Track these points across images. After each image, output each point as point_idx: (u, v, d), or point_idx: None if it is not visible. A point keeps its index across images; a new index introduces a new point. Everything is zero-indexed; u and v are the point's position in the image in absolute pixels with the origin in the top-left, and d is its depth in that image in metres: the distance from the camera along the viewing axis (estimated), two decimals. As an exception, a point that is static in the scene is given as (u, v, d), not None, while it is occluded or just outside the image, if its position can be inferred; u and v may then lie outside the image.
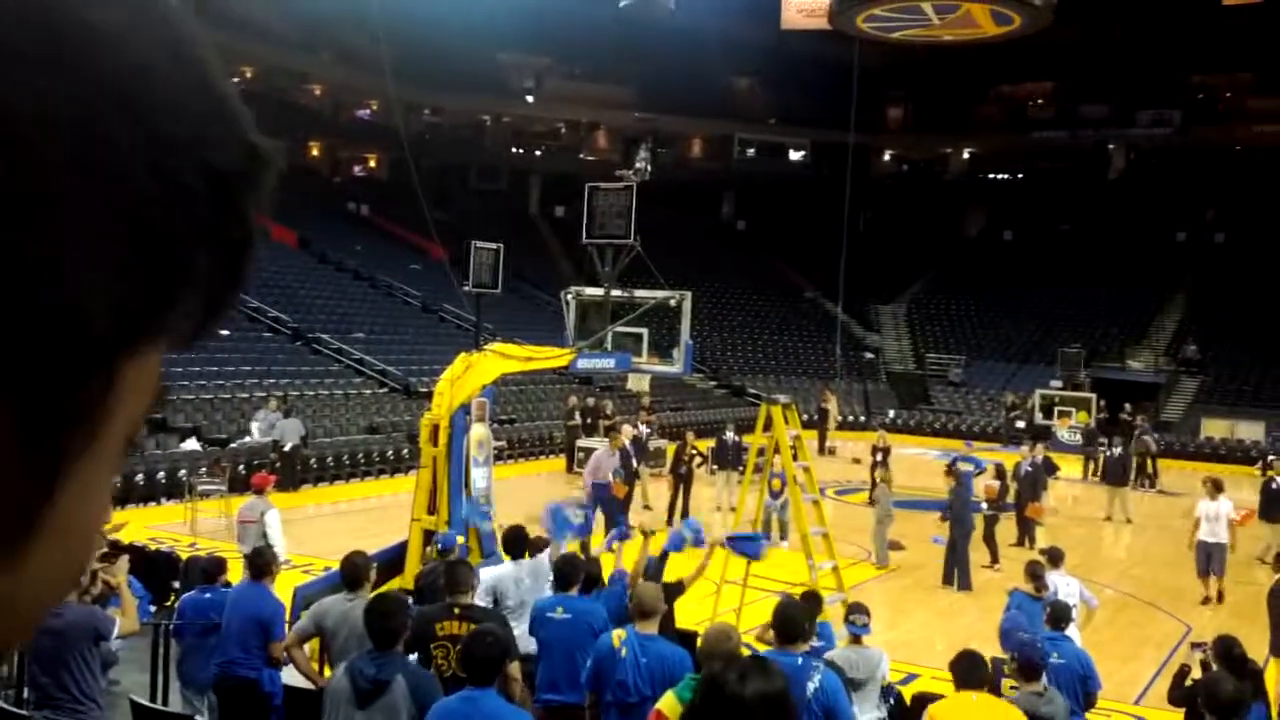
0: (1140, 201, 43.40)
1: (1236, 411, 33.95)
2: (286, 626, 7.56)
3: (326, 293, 33.54)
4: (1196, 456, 31.36)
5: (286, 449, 19.93)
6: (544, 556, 8.73)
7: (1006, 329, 42.08)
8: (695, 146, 54.57)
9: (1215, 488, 14.23)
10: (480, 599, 8.24)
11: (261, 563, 7.39)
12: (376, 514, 17.67)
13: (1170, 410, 35.61)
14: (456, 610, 6.59)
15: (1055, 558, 9.98)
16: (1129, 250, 41.60)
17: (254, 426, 21.01)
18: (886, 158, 53.95)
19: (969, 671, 5.97)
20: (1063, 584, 9.58)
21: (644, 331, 16.28)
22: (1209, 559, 14.12)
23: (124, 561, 7.23)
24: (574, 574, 7.40)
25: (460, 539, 9.73)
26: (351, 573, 6.96)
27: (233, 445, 20.26)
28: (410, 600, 7.18)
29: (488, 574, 8.60)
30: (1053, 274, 42.17)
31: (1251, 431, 32.73)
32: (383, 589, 8.35)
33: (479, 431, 11.52)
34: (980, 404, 37.67)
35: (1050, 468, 19.78)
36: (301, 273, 34.65)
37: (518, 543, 8.70)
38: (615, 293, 16.12)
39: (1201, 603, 13.55)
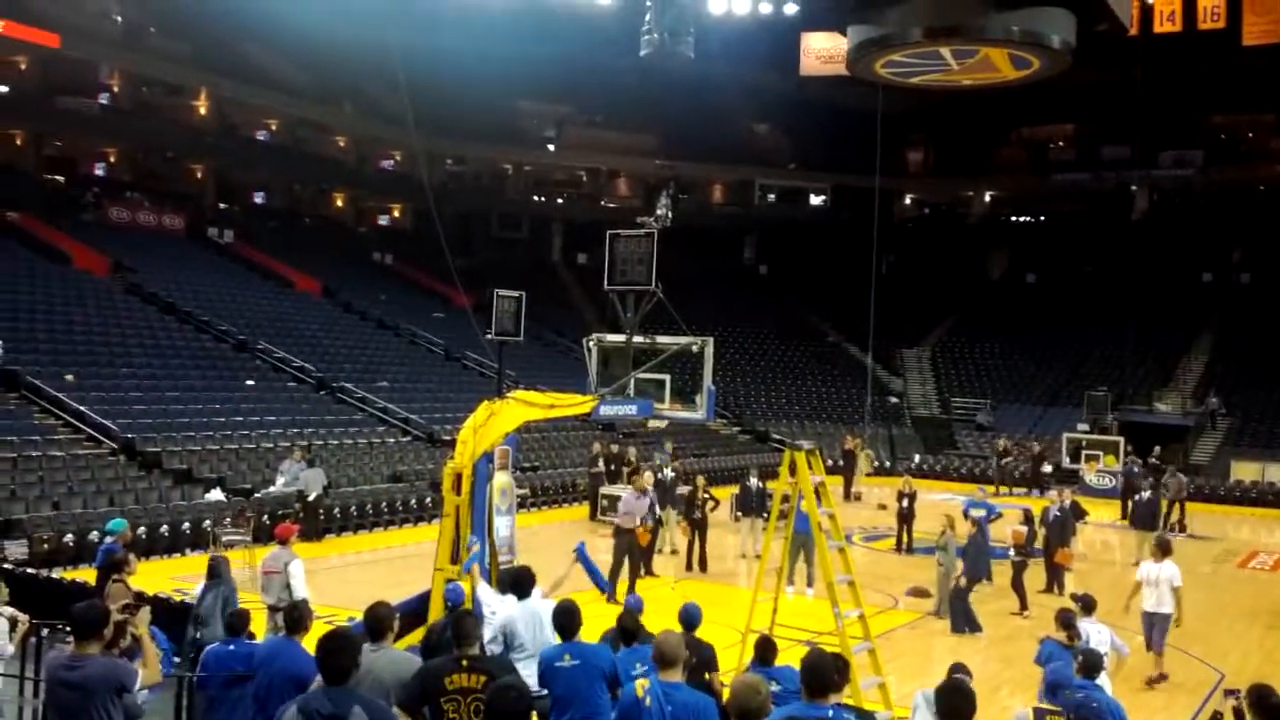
0: (1164, 242, 43.24)
1: (1267, 454, 33.52)
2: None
3: (351, 342, 33.70)
4: (1226, 500, 30.96)
5: (311, 499, 19.93)
6: (540, 596, 8.68)
7: (1032, 372, 41.81)
8: (716, 192, 54.80)
9: (1162, 550, 12.59)
10: (490, 639, 8.18)
11: (296, 617, 7.30)
12: (400, 563, 17.61)
13: (1199, 453, 35.20)
14: (465, 662, 6.52)
15: (1088, 605, 9.80)
16: (1154, 291, 41.36)
17: (278, 477, 21.05)
18: (908, 201, 54.00)
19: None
20: (1094, 631, 9.40)
21: (666, 378, 16.24)
22: (1151, 629, 12.30)
23: (146, 613, 7.18)
24: (573, 623, 7.33)
25: (467, 579, 9.71)
26: (374, 623, 6.90)
27: (257, 495, 20.28)
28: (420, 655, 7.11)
29: (499, 616, 8.56)
30: (1077, 316, 41.95)
31: (1281, 473, 32.32)
32: (406, 639, 8.29)
33: (502, 479, 11.49)
34: (1018, 449, 37.35)
35: (1078, 513, 19.55)
36: (326, 322, 34.87)
37: (526, 584, 8.65)
38: (637, 339, 16.10)
39: (1146, 684, 12.06)
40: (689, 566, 18.17)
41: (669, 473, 21.17)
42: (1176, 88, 40.47)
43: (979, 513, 15.82)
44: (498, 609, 8.82)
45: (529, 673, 7.47)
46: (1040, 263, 48.51)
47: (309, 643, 8.46)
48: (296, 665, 7.18)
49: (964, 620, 14.22)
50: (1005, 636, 14.00)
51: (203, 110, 43.11)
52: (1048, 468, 31.85)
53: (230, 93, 42.16)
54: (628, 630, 7.89)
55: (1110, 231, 45.52)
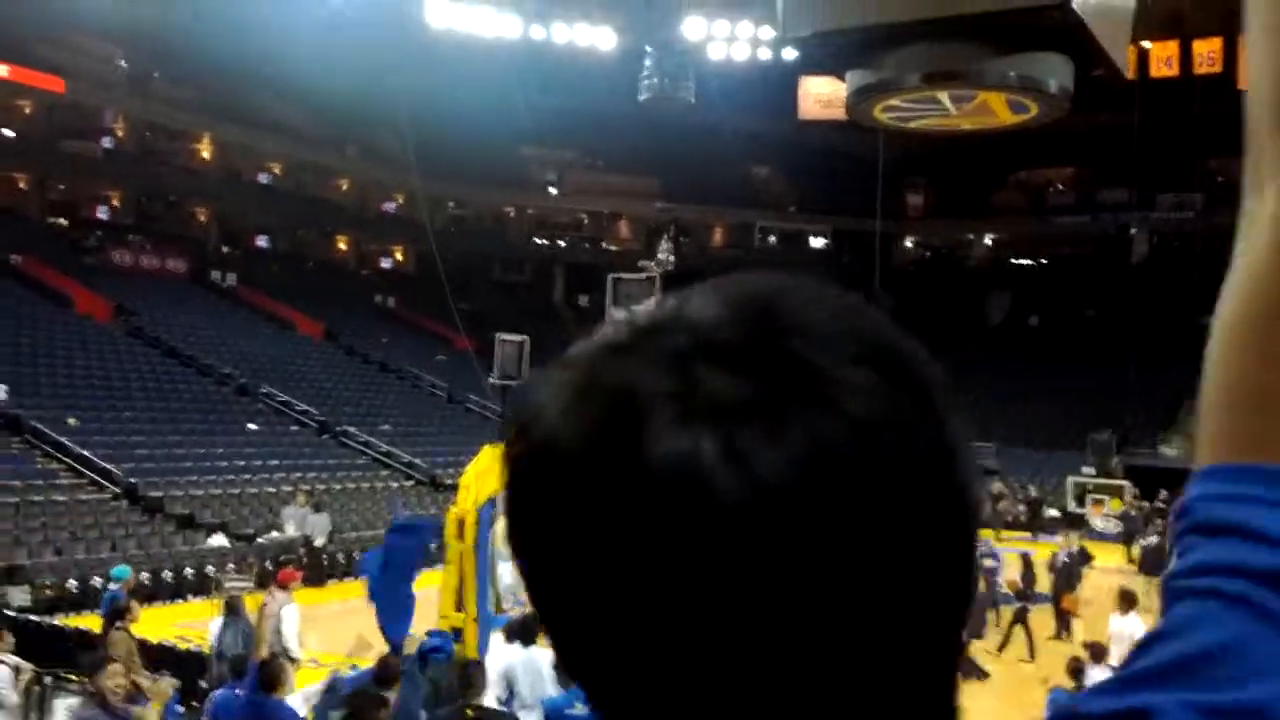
0: (1165, 285, 43.28)
1: None
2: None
3: (354, 385, 33.72)
4: (1233, 543, 30.80)
5: (317, 544, 19.85)
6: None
7: (1034, 415, 41.75)
8: (717, 234, 54.99)
9: (1127, 602, 12.05)
10: (493, 687, 8.11)
11: (269, 673, 7.18)
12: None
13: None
14: (470, 712, 6.49)
15: (1098, 653, 9.76)
16: (1156, 334, 41.38)
17: (283, 522, 20.98)
18: (908, 244, 54.18)
19: None
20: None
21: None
22: None
23: (167, 685, 7.09)
24: None
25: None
26: (384, 671, 6.88)
27: (260, 540, 20.19)
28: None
29: (500, 661, 8.51)
30: (1080, 359, 41.94)
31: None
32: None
33: (505, 526, 11.42)
34: (1010, 492, 37.24)
35: (1085, 558, 19.44)
36: (329, 365, 34.91)
37: (532, 631, 8.60)
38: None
39: None
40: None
41: None
42: (1174, 132, 40.75)
43: (989, 563, 15.81)
44: (490, 660, 8.74)
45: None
46: (1041, 305, 48.58)
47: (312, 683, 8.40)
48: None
49: (968, 667, 14.17)
50: (1017, 684, 13.90)
51: (206, 154, 43.39)
52: (1054, 512, 31.74)
53: (234, 137, 42.44)
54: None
55: (1110, 274, 45.65)
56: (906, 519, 0.52)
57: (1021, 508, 32.40)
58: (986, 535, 26.10)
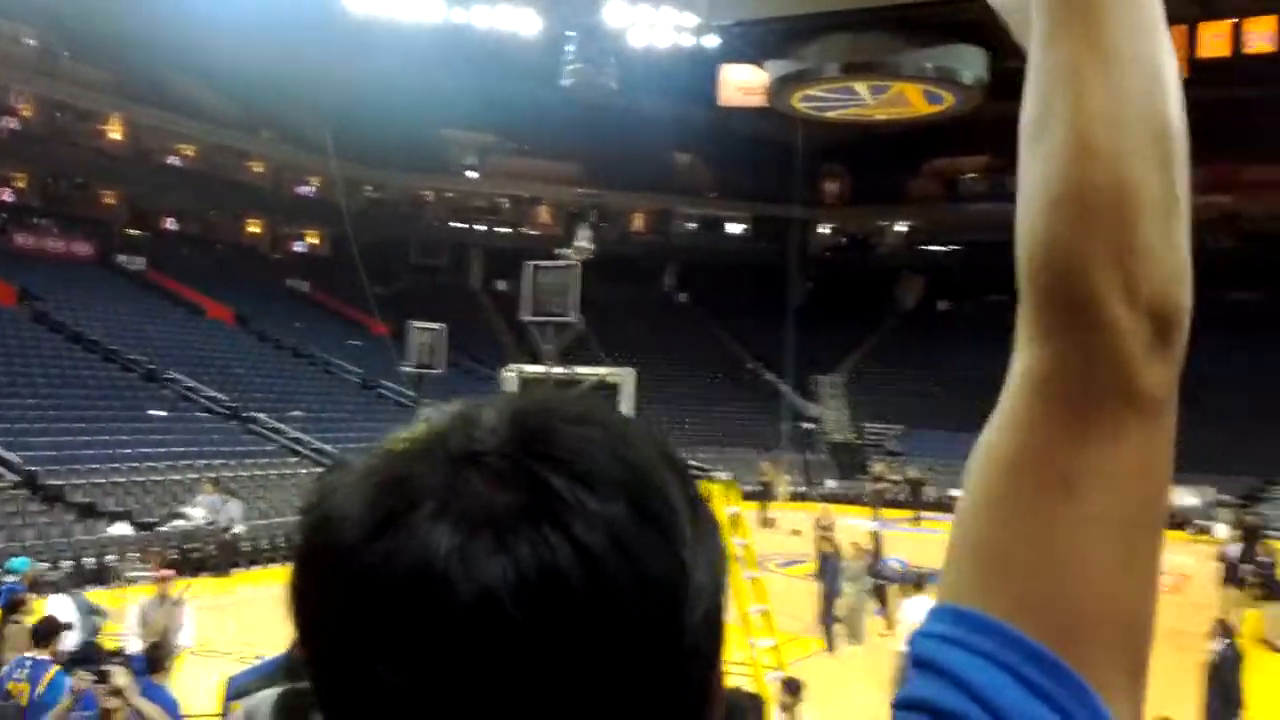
0: (1072, 273, 44.42)
1: (1185, 477, 34.43)
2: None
3: (264, 370, 33.16)
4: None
5: (237, 531, 19.59)
6: None
7: (943, 398, 42.51)
8: (637, 220, 55.01)
9: (916, 585, 12.98)
10: None
11: (158, 655, 7.15)
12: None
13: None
14: None
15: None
16: (1062, 320, 42.41)
17: (195, 510, 20.58)
18: (825, 231, 54.72)
19: None
20: None
21: (585, 409, 16.22)
22: None
23: (121, 675, 6.89)
24: None
25: None
26: (294, 667, 6.71)
27: (164, 529, 19.80)
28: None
29: None
30: (988, 344, 42.49)
31: (1185, 496, 33.18)
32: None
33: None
34: (919, 474, 37.90)
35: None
36: (239, 350, 34.29)
37: None
38: (557, 370, 16.07)
39: None
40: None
41: None
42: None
43: (897, 568, 16.32)
44: None
45: None
46: (953, 291, 49.46)
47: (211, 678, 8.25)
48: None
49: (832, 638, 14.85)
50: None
51: (116, 136, 42.25)
52: (955, 491, 32.39)
53: (145, 118, 41.38)
54: None
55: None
56: (619, 645, 0.56)
57: (895, 485, 33.32)
58: (868, 514, 26.95)
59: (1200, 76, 36.20)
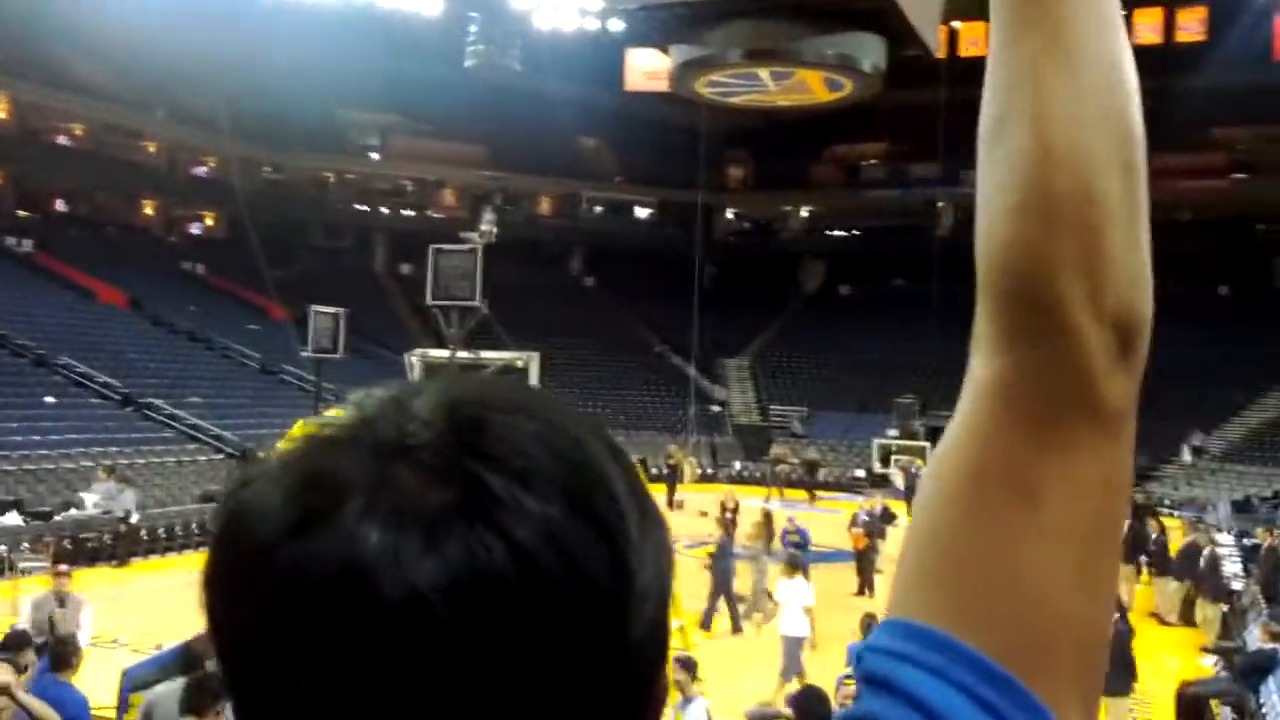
0: (967, 258, 44.74)
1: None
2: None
3: (159, 356, 32.39)
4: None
5: (134, 520, 19.16)
6: None
7: (845, 381, 43.29)
8: (544, 204, 54.85)
9: (792, 567, 13.18)
10: None
11: (63, 652, 6.98)
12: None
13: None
14: None
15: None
16: (958, 303, 43.29)
17: (89, 498, 20.07)
18: (729, 215, 55.21)
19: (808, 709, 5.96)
20: None
21: (490, 393, 16.20)
22: (785, 653, 12.83)
23: (4, 670, 6.69)
24: None
25: None
26: (191, 659, 6.64)
27: (57, 519, 19.29)
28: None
29: None
30: (888, 327, 43.61)
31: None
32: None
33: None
34: (821, 454, 38.56)
35: (888, 516, 20.36)
36: (133, 335, 33.44)
37: None
38: (461, 354, 16.02)
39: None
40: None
41: None
42: (978, 109, 42.61)
43: (794, 539, 16.53)
44: None
45: None
46: (854, 276, 50.33)
47: (109, 672, 8.13)
48: (62, 709, 6.80)
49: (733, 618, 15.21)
50: (823, 640, 14.46)
51: (2, 114, 40.75)
52: (859, 472, 33.09)
53: (32, 95, 39.97)
54: None
55: (918, 246, 47.52)
56: (559, 650, 0.53)
57: (792, 466, 34.01)
58: (765, 494, 27.41)
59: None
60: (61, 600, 10.03)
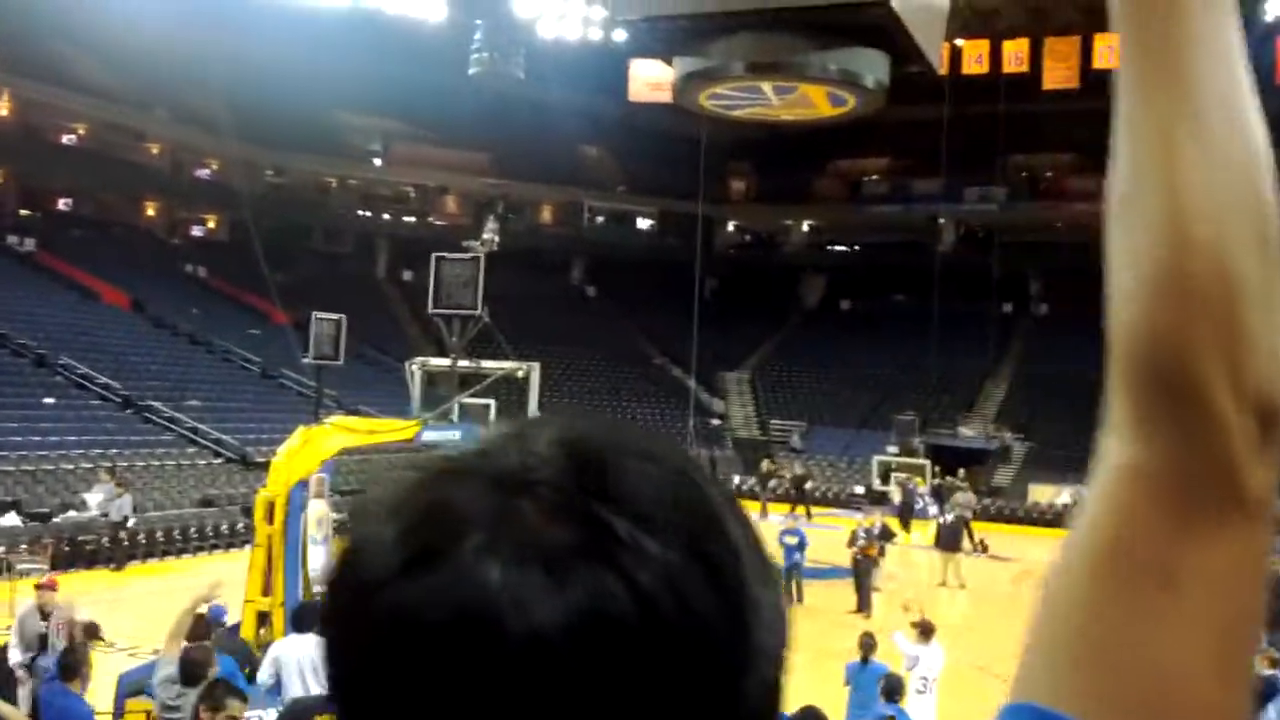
0: (969, 274, 45.44)
1: (1063, 477, 35.50)
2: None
3: (160, 358, 32.38)
4: (1025, 521, 32.74)
5: (130, 524, 19.17)
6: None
7: (845, 396, 43.30)
8: (546, 213, 54.90)
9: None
10: (264, 669, 7.98)
11: (71, 662, 6.98)
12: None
13: (1000, 476, 37.07)
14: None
15: (926, 630, 10.16)
16: (959, 320, 43.42)
17: (91, 498, 20.08)
18: (730, 228, 55.26)
19: None
20: (929, 654, 9.72)
21: (491, 402, 16.22)
22: None
23: None
24: None
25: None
26: (190, 670, 6.62)
27: (56, 520, 19.28)
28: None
29: (275, 647, 8.38)
30: (888, 342, 43.68)
31: (1076, 497, 34.29)
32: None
33: (318, 509, 11.27)
34: (820, 470, 38.56)
35: (886, 534, 20.35)
36: (134, 337, 33.44)
37: (305, 618, 8.50)
38: (462, 363, 16.03)
39: None
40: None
41: None
42: (983, 127, 42.73)
43: (791, 540, 16.40)
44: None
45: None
46: (854, 291, 50.36)
47: (107, 675, 8.12)
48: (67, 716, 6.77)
49: None
50: (820, 656, 14.45)
51: (3, 112, 40.81)
52: (859, 489, 33.06)
53: (35, 94, 40.02)
54: None
55: (920, 262, 47.59)
56: (673, 697, 0.52)
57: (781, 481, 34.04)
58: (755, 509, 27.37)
59: (1094, 87, 37.42)
60: (45, 614, 9.82)
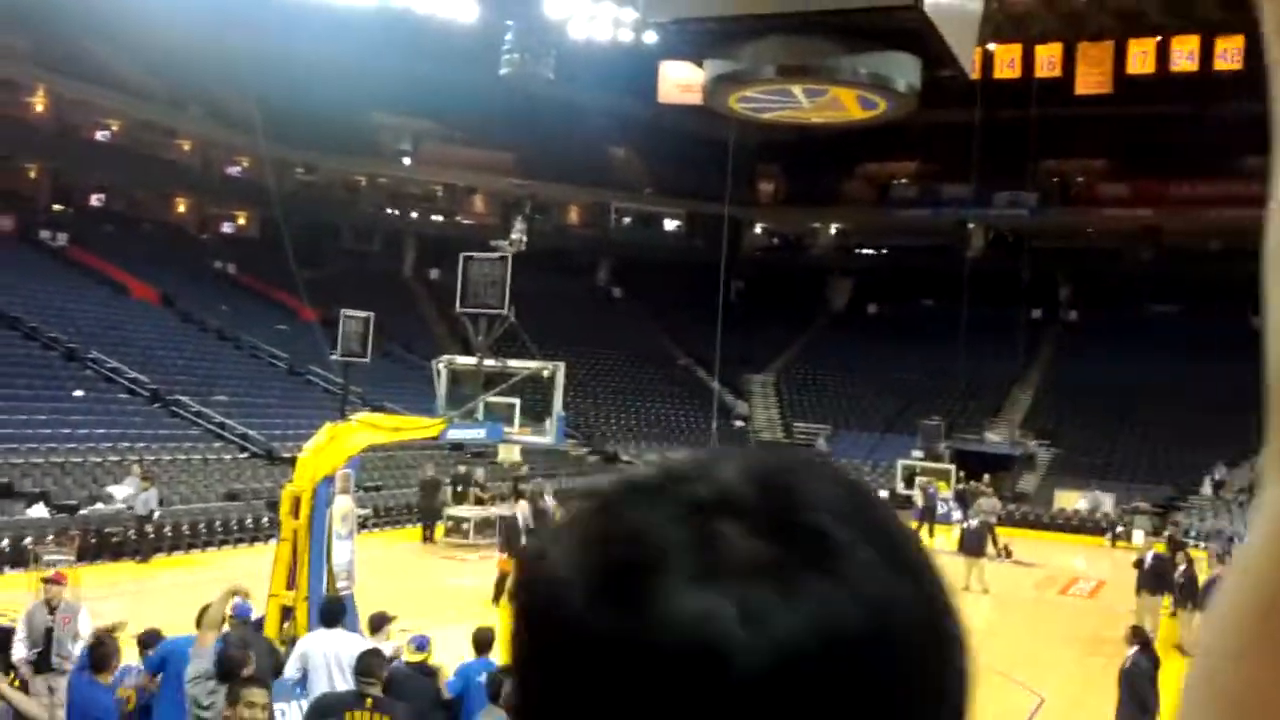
0: (998, 279, 45.18)
1: (1088, 484, 35.28)
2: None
3: (188, 353, 32.62)
4: (1050, 527, 32.49)
5: (156, 517, 19.34)
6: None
7: (870, 400, 43.12)
8: (572, 213, 54.99)
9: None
10: (292, 663, 8.01)
11: (102, 654, 7.00)
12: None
13: (1025, 482, 36.84)
14: (369, 701, 6.38)
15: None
16: (987, 325, 43.17)
17: (119, 491, 20.24)
18: (758, 230, 55.16)
19: None
20: None
21: (516, 401, 16.24)
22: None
23: None
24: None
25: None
26: (228, 667, 6.60)
27: (83, 512, 19.43)
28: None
29: (303, 641, 8.43)
30: (915, 347, 43.45)
31: (1103, 501, 34.05)
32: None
33: (343, 504, 11.31)
34: (846, 473, 38.43)
35: (912, 539, 20.24)
36: (163, 332, 33.70)
37: (333, 613, 8.54)
38: (488, 362, 16.06)
39: None
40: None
41: (549, 501, 20.23)
42: (1014, 132, 42.48)
43: None
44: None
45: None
46: (881, 294, 50.15)
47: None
48: (88, 708, 6.79)
49: None
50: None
51: (39, 108, 41.23)
52: (884, 493, 32.85)
53: (69, 91, 40.42)
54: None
55: (948, 267, 47.34)
56: (907, 694, 0.53)
57: None
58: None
59: (1127, 93, 37.12)
60: (52, 608, 9.70)
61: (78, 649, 9.16)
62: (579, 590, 0.52)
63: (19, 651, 9.39)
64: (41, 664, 9.18)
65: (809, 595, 0.51)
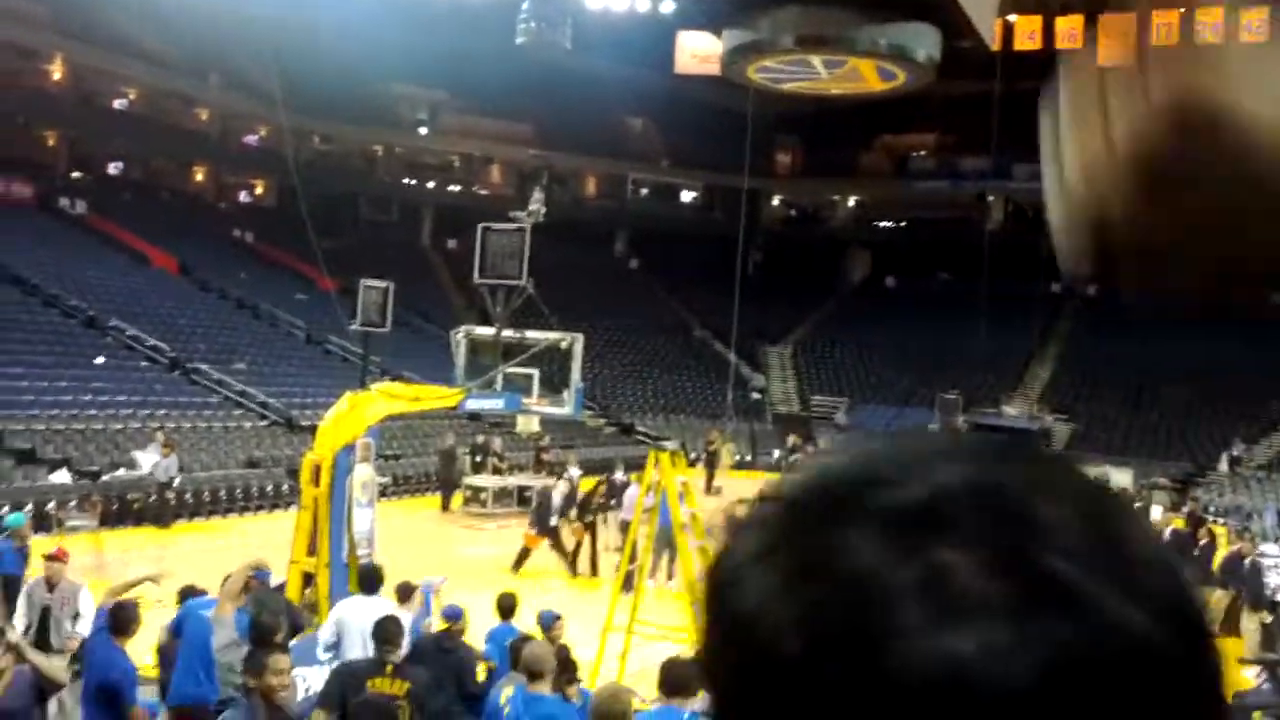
0: (1017, 252, 44.92)
1: (1107, 459, 35.16)
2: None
3: (207, 321, 32.78)
4: (1068, 501, 32.45)
5: (176, 484, 19.55)
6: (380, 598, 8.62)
7: (888, 373, 43.06)
8: (590, 184, 54.90)
9: None
10: (324, 631, 8.12)
11: (123, 618, 7.04)
12: (254, 553, 17.25)
13: (1044, 456, 36.77)
14: (389, 668, 6.46)
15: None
16: (1006, 299, 42.97)
17: (143, 457, 20.43)
18: (776, 202, 54.99)
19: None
20: None
21: (535, 372, 16.27)
22: None
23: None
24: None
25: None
26: (261, 633, 6.64)
27: (105, 478, 19.62)
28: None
29: (339, 607, 8.54)
30: (933, 320, 43.29)
31: (1121, 477, 33.93)
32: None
33: (363, 473, 11.39)
34: (827, 446, 38.37)
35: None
36: (182, 300, 33.85)
37: (371, 580, 8.66)
38: (506, 333, 16.10)
39: None
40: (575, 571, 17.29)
41: (576, 472, 20.19)
42: (1034, 104, 42.14)
43: None
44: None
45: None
46: (900, 267, 49.96)
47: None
48: (106, 670, 6.81)
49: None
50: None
51: (58, 76, 41.30)
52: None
53: (89, 59, 40.46)
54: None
55: (967, 240, 47.08)
56: None
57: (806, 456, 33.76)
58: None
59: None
60: (51, 586, 9.53)
61: (80, 627, 9.20)
62: (794, 637, 0.48)
63: (19, 625, 9.23)
64: (41, 644, 9.04)
65: (1043, 639, 0.47)
